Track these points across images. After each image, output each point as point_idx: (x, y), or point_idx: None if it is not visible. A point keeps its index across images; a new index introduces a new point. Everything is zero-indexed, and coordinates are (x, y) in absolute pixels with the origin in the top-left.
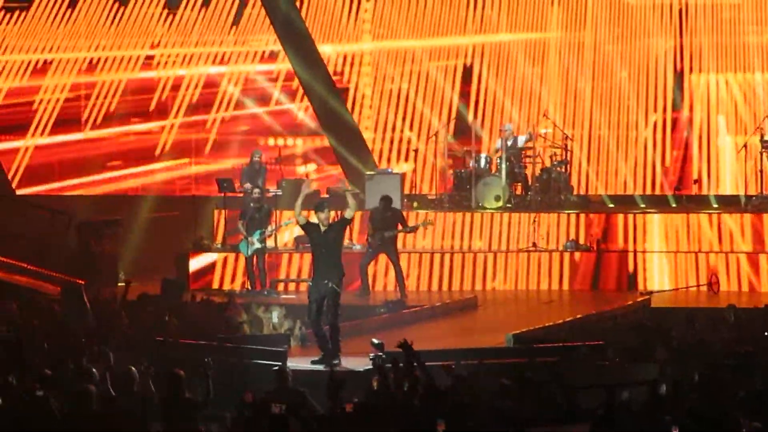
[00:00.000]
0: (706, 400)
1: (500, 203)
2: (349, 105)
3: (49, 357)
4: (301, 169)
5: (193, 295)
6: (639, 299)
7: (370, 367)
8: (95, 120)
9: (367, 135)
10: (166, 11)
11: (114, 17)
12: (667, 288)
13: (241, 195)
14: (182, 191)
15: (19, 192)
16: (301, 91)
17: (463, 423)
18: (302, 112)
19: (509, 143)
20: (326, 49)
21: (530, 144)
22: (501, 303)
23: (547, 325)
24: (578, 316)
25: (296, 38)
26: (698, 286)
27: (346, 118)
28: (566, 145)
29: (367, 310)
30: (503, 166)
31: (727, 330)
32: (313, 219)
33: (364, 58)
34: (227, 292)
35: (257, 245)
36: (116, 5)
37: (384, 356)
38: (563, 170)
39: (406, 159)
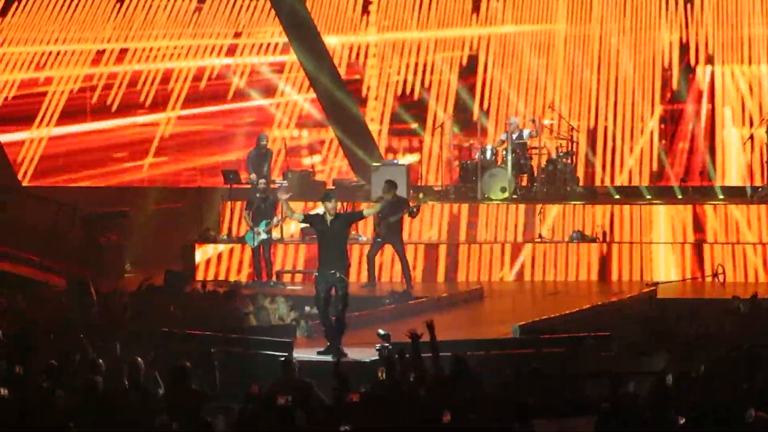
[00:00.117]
0: (711, 392)
1: (506, 194)
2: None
3: (56, 348)
4: (306, 161)
5: (203, 284)
6: (645, 290)
7: (377, 357)
8: (100, 111)
9: (372, 126)
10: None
11: (119, 9)
12: (673, 279)
13: (247, 186)
14: (188, 183)
15: (25, 184)
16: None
17: (469, 414)
18: (308, 103)
19: (515, 137)
20: (332, 41)
21: (533, 137)
22: (507, 294)
23: (553, 316)
24: (584, 307)
25: (302, 30)
26: (704, 277)
27: (352, 110)
28: (572, 137)
29: (373, 301)
30: (509, 157)
31: (732, 321)
32: (319, 209)
33: (369, 49)
34: (233, 283)
35: (263, 236)
36: None
37: (390, 347)
38: (569, 161)
39: (412, 150)
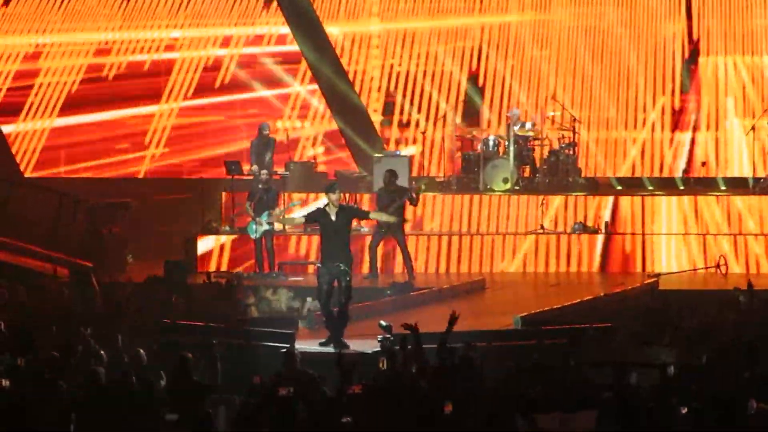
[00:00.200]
0: (713, 383)
1: (508, 185)
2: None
3: (58, 340)
4: (309, 152)
5: (208, 275)
6: (647, 282)
7: (378, 349)
8: (101, 102)
9: (374, 117)
10: None
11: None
12: (674, 270)
13: (250, 177)
14: (190, 174)
15: (27, 175)
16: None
17: (471, 406)
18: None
19: (516, 128)
20: (334, 31)
21: (533, 132)
22: (509, 285)
23: (554, 307)
24: (586, 298)
25: (303, 20)
26: (706, 268)
27: (354, 101)
28: (574, 128)
29: (374, 293)
30: (511, 148)
31: (735, 312)
32: (320, 201)
33: (372, 40)
34: (235, 275)
35: (265, 227)
36: None
37: (392, 338)
38: (571, 152)
39: (414, 141)
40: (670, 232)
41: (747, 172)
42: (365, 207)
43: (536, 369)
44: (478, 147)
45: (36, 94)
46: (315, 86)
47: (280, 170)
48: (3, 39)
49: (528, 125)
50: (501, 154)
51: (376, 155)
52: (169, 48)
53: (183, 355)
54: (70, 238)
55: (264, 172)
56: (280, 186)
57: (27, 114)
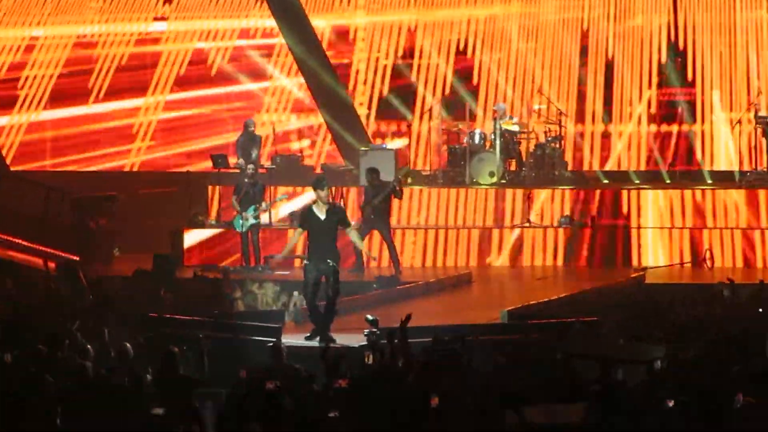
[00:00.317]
0: (700, 377)
1: (494, 179)
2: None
3: (45, 334)
4: (295, 145)
5: (197, 272)
6: (633, 275)
7: (365, 343)
8: (86, 95)
9: (361, 111)
10: None
11: None
12: (661, 264)
13: (236, 171)
14: (176, 167)
15: (13, 168)
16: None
17: (458, 400)
18: (296, 87)
19: (502, 122)
20: (320, 24)
21: (519, 126)
22: (495, 279)
23: (541, 301)
24: (573, 292)
25: (290, 12)
26: (692, 262)
27: (340, 94)
28: (560, 121)
29: (361, 287)
30: (497, 142)
31: (721, 306)
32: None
33: (358, 33)
34: (222, 268)
35: (251, 221)
36: None
37: (378, 332)
38: (557, 146)
39: (400, 135)
40: (657, 226)
41: (734, 166)
42: (352, 203)
43: (523, 361)
44: (465, 140)
45: (21, 88)
46: (301, 79)
47: (267, 164)
48: None
49: (515, 119)
50: (487, 147)
51: (362, 148)
52: (155, 41)
53: (169, 349)
54: (57, 231)
55: (250, 166)
56: (266, 180)
57: (10, 107)
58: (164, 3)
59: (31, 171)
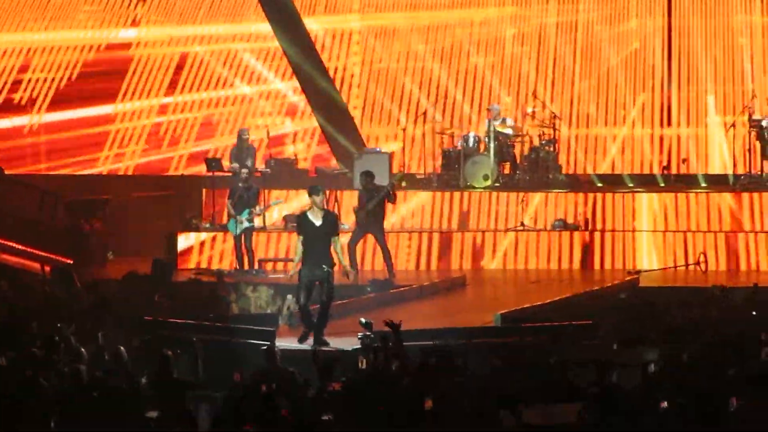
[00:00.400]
0: (695, 380)
1: (488, 182)
2: (337, 84)
3: (40, 337)
4: (289, 149)
5: (192, 275)
6: (627, 278)
7: (359, 346)
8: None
9: (355, 114)
10: None
11: None
12: (655, 267)
13: (230, 174)
14: (170, 171)
15: (8, 172)
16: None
17: (454, 402)
18: (291, 91)
19: (496, 123)
20: (313, 27)
21: (512, 129)
22: (489, 282)
23: (535, 304)
24: (566, 295)
25: (284, 15)
26: (687, 265)
27: (335, 98)
28: (554, 125)
29: (354, 290)
30: (491, 145)
31: (715, 309)
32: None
33: (352, 36)
34: (215, 272)
35: (245, 224)
36: None
37: (372, 335)
38: (551, 149)
39: (395, 138)
40: (651, 229)
41: (728, 169)
42: (345, 206)
43: (517, 364)
44: (459, 144)
45: (15, 91)
46: (296, 83)
47: (261, 167)
48: None
49: (508, 121)
50: (481, 150)
51: (357, 152)
52: (149, 44)
53: (164, 352)
54: (51, 234)
55: (245, 170)
56: (260, 183)
57: (3, 111)
58: (137, 4)
59: (25, 174)
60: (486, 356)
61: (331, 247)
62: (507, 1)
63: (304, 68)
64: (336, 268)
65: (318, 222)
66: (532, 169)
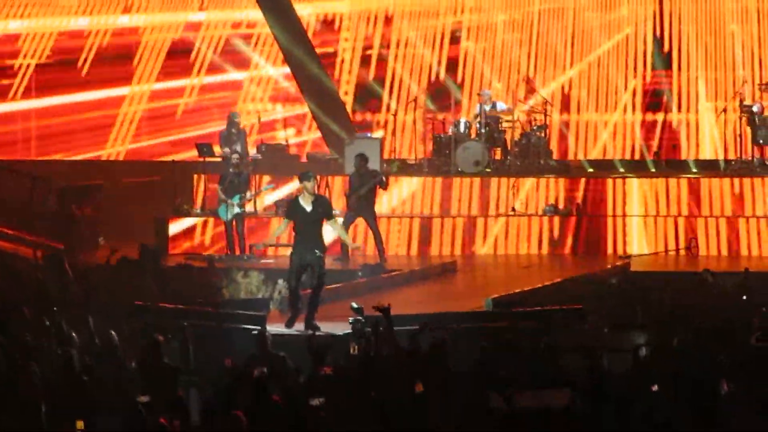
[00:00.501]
0: (686, 364)
1: (479, 168)
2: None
3: (30, 323)
4: (280, 134)
5: (184, 262)
6: (618, 263)
7: (350, 331)
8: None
9: (345, 100)
10: None
11: None
12: (646, 252)
13: (221, 160)
14: (161, 156)
15: None
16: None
17: (444, 386)
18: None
19: (487, 108)
20: (304, 12)
21: (503, 113)
22: (480, 267)
23: (526, 289)
24: (557, 280)
25: (275, 1)
26: (677, 250)
27: (326, 84)
28: (545, 110)
29: (346, 275)
30: (482, 131)
31: (706, 294)
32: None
33: (343, 21)
34: (207, 257)
35: (236, 210)
36: None
37: (363, 320)
38: (543, 135)
39: (386, 124)
40: (642, 214)
41: (719, 155)
42: (336, 191)
43: (508, 349)
44: (450, 129)
45: (4, 77)
46: (287, 69)
47: (252, 152)
48: None
49: (499, 105)
50: (472, 136)
51: (348, 137)
52: (141, 31)
53: (154, 337)
54: (42, 219)
55: (236, 155)
56: (251, 169)
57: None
58: None
59: (16, 160)
60: (477, 341)
61: (337, 229)
62: None
63: (295, 54)
64: (349, 251)
65: (308, 207)
66: (523, 154)
